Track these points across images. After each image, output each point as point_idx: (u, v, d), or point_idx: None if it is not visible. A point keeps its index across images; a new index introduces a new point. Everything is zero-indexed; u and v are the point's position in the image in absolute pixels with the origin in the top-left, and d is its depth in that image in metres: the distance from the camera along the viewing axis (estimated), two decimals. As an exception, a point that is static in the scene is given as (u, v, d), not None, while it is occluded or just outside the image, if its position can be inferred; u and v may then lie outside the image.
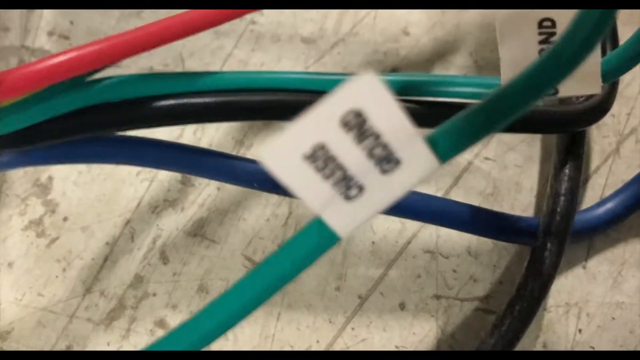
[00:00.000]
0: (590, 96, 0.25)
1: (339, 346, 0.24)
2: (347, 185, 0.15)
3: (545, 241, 0.24)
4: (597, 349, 0.25)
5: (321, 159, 0.14)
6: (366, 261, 0.25)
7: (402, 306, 0.25)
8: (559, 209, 0.24)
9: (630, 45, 0.21)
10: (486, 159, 0.27)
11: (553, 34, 0.21)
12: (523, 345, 0.24)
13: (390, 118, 0.14)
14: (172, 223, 0.26)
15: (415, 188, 0.16)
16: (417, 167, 0.16)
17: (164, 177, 0.26)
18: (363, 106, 0.14)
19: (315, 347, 0.24)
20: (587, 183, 0.27)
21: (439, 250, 0.26)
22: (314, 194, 0.15)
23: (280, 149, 0.14)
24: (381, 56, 0.29)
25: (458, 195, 0.26)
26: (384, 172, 0.15)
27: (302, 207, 0.26)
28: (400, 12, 0.29)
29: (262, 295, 0.16)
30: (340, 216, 0.16)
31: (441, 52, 0.29)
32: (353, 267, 0.25)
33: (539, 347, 0.25)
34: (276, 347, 0.24)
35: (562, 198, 0.24)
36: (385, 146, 0.15)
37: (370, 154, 0.15)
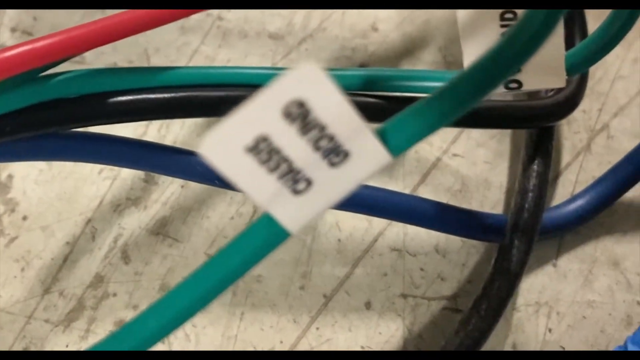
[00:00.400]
0: (560, 90, 0.24)
1: (303, 346, 0.24)
2: (294, 179, 0.15)
3: (513, 238, 0.23)
4: (567, 348, 0.24)
5: (264, 151, 0.14)
6: (332, 260, 0.25)
7: (368, 305, 0.25)
8: (526, 206, 0.24)
9: (596, 38, 0.21)
10: (455, 155, 0.27)
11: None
12: (492, 345, 0.24)
13: (334, 109, 0.14)
14: (135, 222, 0.25)
15: (366, 182, 0.15)
16: (367, 161, 0.15)
17: (127, 175, 0.26)
18: (305, 96, 0.13)
19: (278, 348, 0.24)
20: (558, 180, 0.27)
21: (406, 249, 0.25)
22: (258, 187, 0.14)
23: (220, 140, 0.14)
24: (349, 52, 0.28)
25: (426, 193, 0.26)
26: (333, 165, 0.15)
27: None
28: (369, 7, 0.29)
29: (210, 293, 0.16)
30: (289, 211, 0.15)
31: (410, 48, 0.28)
32: (318, 266, 0.25)
33: (508, 347, 0.24)
34: (239, 348, 0.24)
35: (530, 194, 0.24)
36: (331, 138, 0.14)
37: (317, 147, 0.14)
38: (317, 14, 0.29)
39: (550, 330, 0.25)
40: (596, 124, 0.27)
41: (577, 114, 0.27)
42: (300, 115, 0.14)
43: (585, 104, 0.28)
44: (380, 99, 0.22)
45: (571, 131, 0.27)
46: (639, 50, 0.28)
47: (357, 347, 0.24)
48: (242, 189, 0.14)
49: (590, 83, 0.28)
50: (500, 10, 0.21)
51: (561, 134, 0.27)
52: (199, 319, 0.24)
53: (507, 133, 0.27)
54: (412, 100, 0.21)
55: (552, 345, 0.24)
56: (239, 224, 0.25)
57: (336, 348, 0.24)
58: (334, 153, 0.15)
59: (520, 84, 0.21)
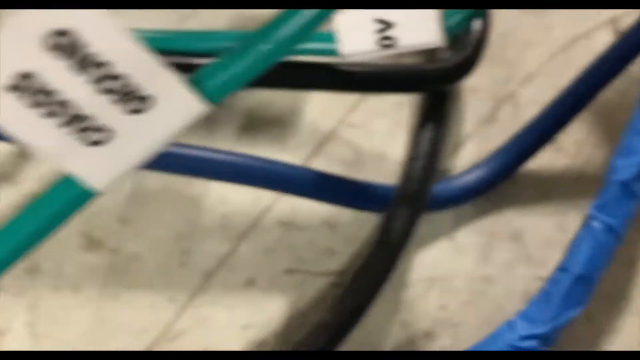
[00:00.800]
0: (456, 53, 0.23)
1: (179, 326, 0.23)
2: (83, 127, 0.13)
3: (397, 208, 0.22)
4: (461, 326, 0.23)
5: (30, 91, 0.13)
6: (215, 235, 0.24)
7: (251, 282, 0.23)
8: (414, 174, 0.23)
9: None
10: (351, 125, 0.25)
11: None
12: (379, 322, 0.23)
13: (113, 43, 0.13)
14: (7, 198, 0.24)
15: (179, 131, 0.14)
16: (177, 108, 0.14)
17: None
18: (71, 26, 0.12)
19: (153, 329, 0.23)
20: (459, 149, 0.25)
21: (295, 222, 0.24)
22: (38, 136, 0.13)
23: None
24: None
25: (319, 165, 0.25)
26: (134, 112, 0.14)
27: (150, 180, 0.24)
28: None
29: (7, 259, 0.15)
30: (88, 165, 0.14)
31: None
32: (200, 242, 0.24)
33: (397, 325, 0.23)
34: (111, 330, 0.22)
35: (419, 162, 0.23)
36: (117, 78, 0.13)
37: (102, 88, 0.13)
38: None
39: (443, 307, 0.24)
40: (502, 92, 0.26)
41: (483, 81, 0.26)
42: (69, 48, 0.13)
43: (492, 71, 0.26)
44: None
45: (476, 99, 0.26)
46: (553, 17, 0.27)
47: (238, 326, 0.23)
48: (18, 139, 0.13)
49: (499, 50, 0.27)
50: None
51: (465, 103, 0.26)
52: (69, 299, 0.23)
53: (407, 102, 0.26)
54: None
55: (445, 323, 0.23)
56: (116, 201, 0.24)
57: (216, 327, 0.23)
58: (130, 98, 0.14)
59: (394, 40, 0.20)
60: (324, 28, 0.20)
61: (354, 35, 0.20)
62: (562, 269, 0.21)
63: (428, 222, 0.24)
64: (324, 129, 0.26)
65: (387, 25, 0.20)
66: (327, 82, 0.22)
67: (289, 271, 0.24)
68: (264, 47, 0.14)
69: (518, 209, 0.25)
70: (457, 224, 0.24)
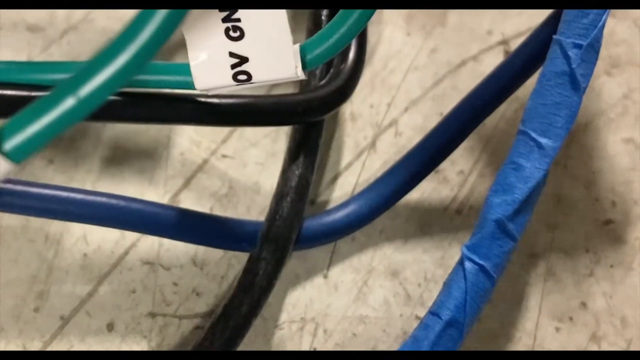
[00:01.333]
0: (328, 83, 0.22)
1: (31, 375, 0.21)
2: None
3: (262, 249, 0.21)
4: (333, 368, 0.22)
5: None
6: (75, 276, 0.23)
7: (111, 327, 0.22)
8: (280, 212, 0.22)
9: (330, 28, 0.19)
10: (224, 156, 0.24)
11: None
12: (245, 367, 0.22)
13: None
14: None
15: None
16: None
17: None
18: None
19: (3, 377, 0.21)
20: (337, 181, 0.25)
21: (160, 261, 0.23)
22: None
23: None
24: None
25: (189, 198, 0.24)
26: None
27: (5, 215, 0.23)
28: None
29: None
30: None
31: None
32: (58, 284, 0.23)
33: (265, 369, 0.22)
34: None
35: (287, 199, 0.22)
36: None
37: None
38: (84, 3, 0.26)
39: (315, 350, 0.23)
40: (384, 119, 0.25)
41: (363, 109, 0.26)
42: None
43: (374, 98, 0.26)
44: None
45: (355, 128, 0.25)
46: (439, 39, 0.26)
47: (94, 374, 0.22)
48: None
49: (381, 75, 0.26)
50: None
51: (344, 131, 0.25)
52: None
53: (282, 131, 0.25)
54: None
55: (315, 366, 0.22)
56: None
57: (71, 375, 0.22)
58: None
59: (249, 75, 0.19)
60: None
61: (208, 71, 0.19)
62: (433, 312, 0.20)
63: (301, 259, 0.24)
64: (195, 160, 0.25)
65: (241, 59, 0.19)
66: (191, 116, 0.21)
67: (151, 314, 0.23)
68: (74, 97, 0.13)
69: (397, 244, 0.24)
70: (333, 260, 0.24)
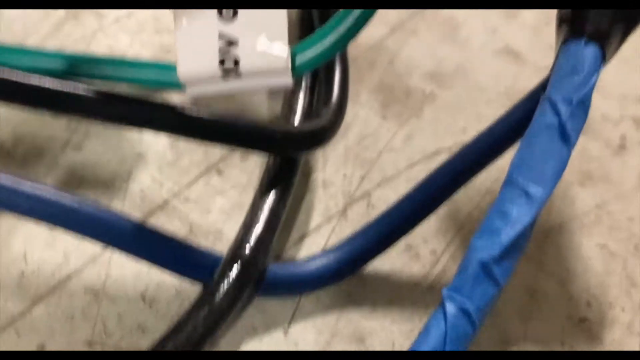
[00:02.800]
0: (310, 120, 0.25)
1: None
2: None
3: (223, 277, 0.23)
4: None
5: None
6: (8, 293, 0.23)
7: (41, 348, 0.23)
8: (247, 240, 0.23)
9: (325, 29, 0.21)
10: (187, 200, 0.26)
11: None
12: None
13: None
14: None
15: None
16: None
17: None
18: None
19: None
20: (304, 241, 0.26)
21: (105, 292, 0.24)
22: None
23: None
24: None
25: (145, 235, 0.25)
26: None
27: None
28: None
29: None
30: None
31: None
32: (-12, 299, 0.23)
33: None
34: None
35: (255, 228, 0.23)
36: None
37: None
38: None
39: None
40: (357, 190, 0.28)
41: (336, 178, 0.28)
42: None
43: (348, 169, 0.28)
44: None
45: (327, 194, 0.27)
46: (413, 127, 0.30)
47: (14, 399, 0.22)
48: None
49: (355, 150, 0.29)
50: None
51: (315, 195, 0.27)
52: None
53: (250, 185, 0.27)
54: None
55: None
56: None
57: (-13, 397, 0.22)
58: None
59: (236, 61, 0.21)
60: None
61: (195, 53, 0.20)
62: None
63: (260, 310, 0.25)
64: (156, 199, 0.26)
65: (230, 42, 0.21)
66: (169, 123, 0.23)
67: (89, 343, 0.23)
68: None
69: (365, 311, 0.25)
70: (295, 317, 0.25)
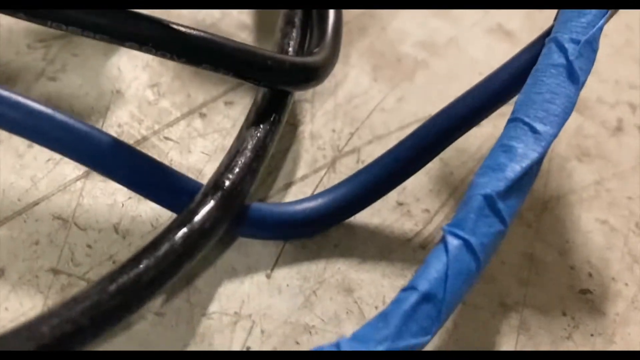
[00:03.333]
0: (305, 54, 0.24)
1: None
2: None
3: (203, 201, 0.21)
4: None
5: None
6: (-32, 215, 0.21)
7: (0, 273, 0.21)
8: (233, 167, 0.22)
9: None
10: (167, 138, 0.25)
11: None
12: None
13: None
14: None
15: None
16: None
17: None
18: None
19: None
20: (290, 189, 0.25)
21: (75, 220, 0.22)
22: None
23: None
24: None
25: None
26: None
27: None
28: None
29: None
30: None
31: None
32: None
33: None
34: None
35: (242, 156, 0.22)
36: None
37: None
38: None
39: (248, 348, 0.21)
40: (346, 145, 0.26)
41: (325, 132, 0.27)
42: None
43: (336, 124, 0.27)
44: None
45: (315, 146, 0.26)
46: (405, 91, 0.29)
47: (-31, 320, 0.20)
48: None
49: (345, 108, 0.27)
50: None
51: (302, 146, 0.26)
52: None
53: (235, 130, 0.25)
54: None
55: (248, 363, 0.21)
56: None
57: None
58: None
59: None
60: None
61: None
62: (407, 288, 0.19)
63: (242, 253, 0.23)
64: (134, 135, 0.24)
65: None
66: (153, 37, 0.21)
67: (54, 270, 0.21)
68: None
69: (353, 262, 0.23)
70: (279, 262, 0.23)
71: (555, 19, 0.22)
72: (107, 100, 0.24)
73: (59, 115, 0.20)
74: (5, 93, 0.19)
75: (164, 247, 0.19)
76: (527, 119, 0.20)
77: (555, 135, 0.20)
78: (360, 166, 0.25)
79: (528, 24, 0.31)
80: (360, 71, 0.28)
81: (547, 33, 0.22)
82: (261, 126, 0.22)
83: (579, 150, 0.28)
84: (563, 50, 0.21)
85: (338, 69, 0.27)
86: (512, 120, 0.20)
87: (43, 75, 0.24)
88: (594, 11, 0.21)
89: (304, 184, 0.24)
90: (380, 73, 0.28)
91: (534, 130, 0.20)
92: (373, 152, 0.26)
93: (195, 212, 0.20)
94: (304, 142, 0.25)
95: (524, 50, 0.23)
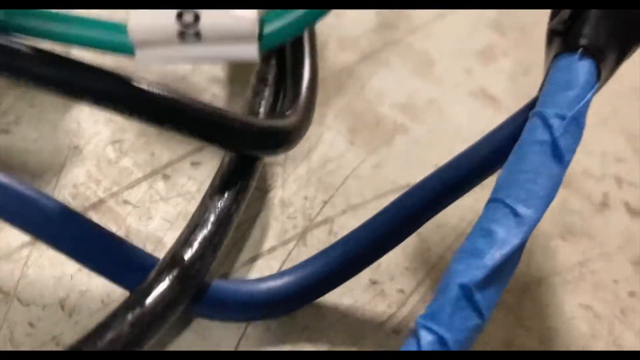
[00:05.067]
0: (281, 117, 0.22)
1: None
2: None
3: (156, 281, 0.19)
4: None
5: None
6: None
7: None
8: (191, 242, 0.20)
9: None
10: (125, 202, 0.23)
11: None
12: None
13: None
14: None
15: None
16: None
17: None
18: None
19: None
20: (255, 263, 0.23)
21: (17, 294, 0.20)
22: None
23: None
24: None
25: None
26: None
27: None
28: None
29: None
30: None
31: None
32: None
33: None
34: None
35: (203, 229, 0.20)
36: None
37: None
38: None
39: None
40: (318, 215, 0.25)
41: (296, 199, 0.25)
42: None
43: (309, 191, 0.25)
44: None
45: (285, 214, 0.24)
46: (383, 157, 0.27)
47: None
48: None
49: (319, 173, 0.26)
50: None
51: (271, 214, 0.24)
52: None
53: (200, 194, 0.24)
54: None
55: None
56: None
57: None
58: None
59: (197, 16, 0.18)
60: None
61: (150, 11, 0.18)
62: None
63: (200, 335, 0.21)
64: (90, 197, 0.23)
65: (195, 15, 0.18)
66: (112, 93, 0.20)
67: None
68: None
69: (322, 349, 0.22)
70: (241, 346, 0.21)
71: (540, 90, 0.20)
72: (63, 156, 0.22)
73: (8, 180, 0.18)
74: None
75: (110, 334, 0.17)
76: (508, 201, 0.19)
77: (538, 220, 0.18)
78: (333, 239, 0.23)
79: (512, 88, 0.30)
80: (336, 133, 0.26)
81: (532, 104, 0.20)
82: (226, 194, 0.20)
83: (564, 227, 0.27)
84: (548, 126, 0.20)
85: (313, 130, 0.26)
86: (493, 200, 0.19)
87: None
88: (581, 83, 0.20)
89: (271, 257, 0.23)
90: (357, 136, 0.26)
91: (515, 214, 0.18)
92: (346, 224, 0.24)
93: (149, 292, 0.18)
94: (274, 209, 0.23)
95: (507, 121, 0.21)
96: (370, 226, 0.22)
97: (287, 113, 0.22)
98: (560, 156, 0.19)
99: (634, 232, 0.27)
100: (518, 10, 0.28)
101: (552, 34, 0.21)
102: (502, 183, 0.19)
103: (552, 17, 0.21)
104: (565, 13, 0.20)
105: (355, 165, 0.26)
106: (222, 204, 0.20)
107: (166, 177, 0.23)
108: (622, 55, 0.21)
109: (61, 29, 0.19)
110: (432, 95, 0.29)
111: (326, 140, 0.26)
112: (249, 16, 0.17)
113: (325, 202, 0.24)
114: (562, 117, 0.19)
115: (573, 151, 0.20)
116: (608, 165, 0.29)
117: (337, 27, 0.30)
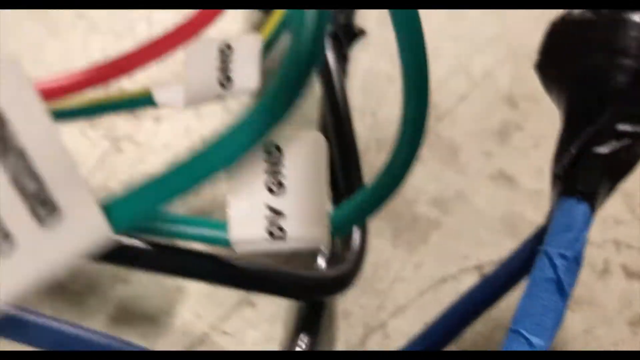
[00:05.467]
0: (335, 266, 0.28)
1: None
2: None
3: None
4: None
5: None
6: None
7: None
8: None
9: (363, 197, 0.24)
10: (225, 333, 0.29)
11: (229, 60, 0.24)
12: None
13: (37, 130, 0.14)
14: None
15: (81, 254, 0.15)
16: (82, 226, 0.15)
17: None
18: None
19: None
20: (329, 371, 0.29)
21: None
22: None
23: None
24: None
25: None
26: (41, 222, 0.14)
27: None
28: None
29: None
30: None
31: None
32: None
33: None
34: None
35: None
36: (36, 176, 0.14)
37: (22, 185, 0.14)
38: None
39: None
40: (373, 320, 0.31)
41: (354, 308, 0.31)
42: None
43: (364, 299, 0.31)
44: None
45: (347, 324, 0.31)
46: (421, 255, 0.33)
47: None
48: None
49: (371, 280, 0.32)
50: (219, 45, 0.24)
51: (336, 327, 0.31)
52: None
53: (278, 317, 0.30)
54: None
55: None
56: None
57: None
58: (43, 203, 0.14)
59: (283, 230, 0.23)
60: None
61: (245, 222, 0.23)
62: None
63: None
64: (196, 332, 0.29)
65: (277, 214, 0.23)
66: (209, 273, 0.25)
67: None
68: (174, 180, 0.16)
69: None
70: None
71: (546, 222, 0.26)
72: (170, 297, 0.28)
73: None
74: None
75: None
76: (524, 332, 0.25)
77: (548, 347, 0.24)
78: (387, 342, 0.29)
79: (525, 164, 0.36)
80: (381, 239, 0.32)
81: (539, 236, 0.26)
82: (304, 336, 0.26)
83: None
84: (553, 265, 0.26)
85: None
86: (513, 332, 0.25)
87: (117, 279, 0.29)
88: (579, 225, 0.25)
89: (340, 365, 0.29)
90: (399, 239, 0.32)
91: (530, 344, 0.25)
92: (397, 326, 0.30)
93: None
94: (339, 322, 0.29)
95: (518, 251, 0.27)
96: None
97: (346, 254, 0.28)
98: (563, 292, 0.25)
99: (630, 293, 0.32)
100: (529, 80, 0.32)
101: (554, 178, 0.26)
102: (519, 315, 0.25)
103: (555, 163, 0.26)
104: (566, 160, 0.26)
105: (398, 268, 0.32)
106: (302, 346, 0.26)
107: (252, 304, 0.29)
108: (613, 187, 0.26)
109: (177, 228, 0.24)
110: (459, 186, 0.34)
111: (373, 247, 0.32)
112: (321, 237, 0.23)
113: (378, 307, 0.30)
114: (565, 257, 0.25)
115: (573, 286, 0.26)
116: (608, 230, 0.34)
117: (374, 128, 0.36)
